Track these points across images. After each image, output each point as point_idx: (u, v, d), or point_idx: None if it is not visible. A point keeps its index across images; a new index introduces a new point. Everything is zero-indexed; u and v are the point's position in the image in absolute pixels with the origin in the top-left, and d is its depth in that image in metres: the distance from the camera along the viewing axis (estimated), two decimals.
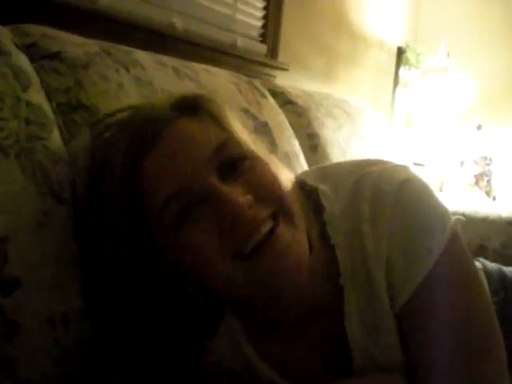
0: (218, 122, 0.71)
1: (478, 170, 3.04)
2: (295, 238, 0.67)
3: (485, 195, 2.99)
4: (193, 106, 0.72)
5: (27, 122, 0.76)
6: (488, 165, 3.05)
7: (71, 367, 0.74)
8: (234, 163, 0.68)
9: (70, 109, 0.85)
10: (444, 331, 0.68)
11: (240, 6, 2.06)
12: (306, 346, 0.77)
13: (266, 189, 0.68)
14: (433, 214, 0.70)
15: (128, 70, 1.00)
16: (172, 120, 0.69)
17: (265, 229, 0.65)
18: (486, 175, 3.05)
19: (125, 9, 1.60)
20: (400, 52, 3.21)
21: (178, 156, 0.66)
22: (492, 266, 1.00)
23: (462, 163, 3.07)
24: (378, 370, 0.73)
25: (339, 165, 0.82)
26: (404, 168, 0.74)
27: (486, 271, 0.96)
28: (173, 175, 0.65)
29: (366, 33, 2.96)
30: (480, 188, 3.01)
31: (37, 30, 0.90)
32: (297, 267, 0.65)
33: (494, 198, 3.07)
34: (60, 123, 0.83)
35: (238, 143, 0.70)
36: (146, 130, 0.67)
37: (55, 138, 0.80)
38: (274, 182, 0.69)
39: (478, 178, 3.03)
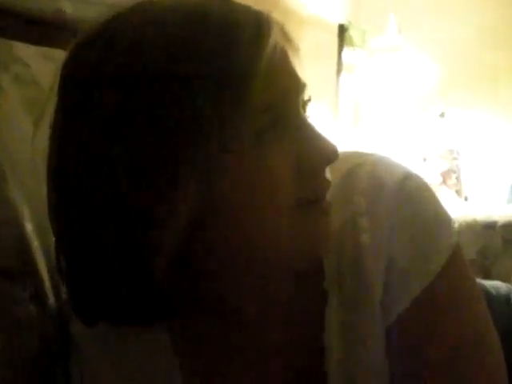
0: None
1: (445, 166, 3.04)
2: None
3: (455, 195, 3.00)
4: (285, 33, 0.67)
5: None
6: (456, 159, 3.06)
7: None
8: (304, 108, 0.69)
9: None
10: (445, 345, 0.65)
11: None
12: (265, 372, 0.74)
13: None
14: (439, 213, 0.68)
15: (7, 69, 0.96)
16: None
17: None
18: (455, 172, 3.05)
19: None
20: (342, 30, 3.19)
21: (286, 62, 0.63)
22: None
23: (424, 159, 3.06)
24: None
25: None
26: (398, 162, 0.74)
27: None
28: (285, 75, 0.61)
29: (301, 9, 2.84)
30: (448, 187, 3.01)
31: None
32: (327, 237, 0.65)
33: (465, 199, 3.08)
34: None
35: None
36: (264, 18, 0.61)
37: None
38: None
39: (446, 176, 3.03)
